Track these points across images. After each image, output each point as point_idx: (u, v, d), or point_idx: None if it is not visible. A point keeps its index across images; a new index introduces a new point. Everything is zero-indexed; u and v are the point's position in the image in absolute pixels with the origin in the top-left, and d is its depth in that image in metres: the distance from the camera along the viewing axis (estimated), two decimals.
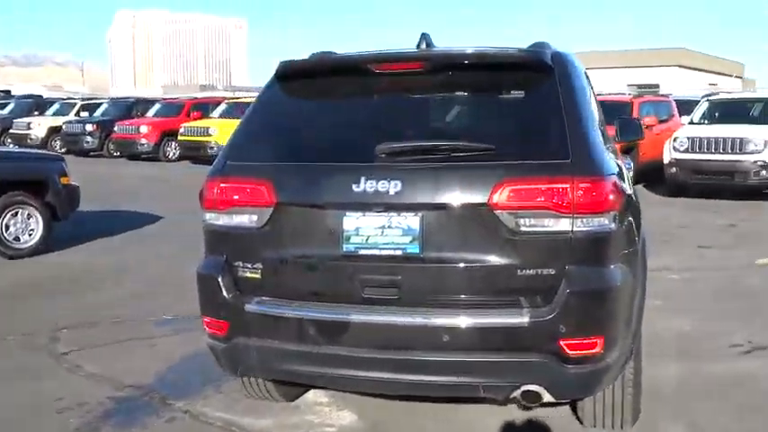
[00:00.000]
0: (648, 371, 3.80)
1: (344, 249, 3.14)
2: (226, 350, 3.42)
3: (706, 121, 13.99)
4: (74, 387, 4.46)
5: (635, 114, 14.22)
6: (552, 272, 2.99)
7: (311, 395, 4.24)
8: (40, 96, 34.12)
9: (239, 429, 3.88)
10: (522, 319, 2.98)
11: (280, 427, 3.92)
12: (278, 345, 3.27)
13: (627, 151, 11.61)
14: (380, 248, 3.11)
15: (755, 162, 12.27)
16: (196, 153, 20.90)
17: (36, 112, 27.99)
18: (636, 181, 8.96)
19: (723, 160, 12.51)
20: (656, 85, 43.08)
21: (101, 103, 28.19)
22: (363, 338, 3.15)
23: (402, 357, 3.10)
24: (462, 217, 3.05)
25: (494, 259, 3.01)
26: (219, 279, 3.34)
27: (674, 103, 17.22)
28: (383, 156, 3.14)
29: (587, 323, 3.02)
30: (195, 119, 22.38)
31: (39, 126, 25.74)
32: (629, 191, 3.44)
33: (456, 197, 3.04)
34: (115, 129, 23.21)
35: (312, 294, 3.24)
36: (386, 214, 3.09)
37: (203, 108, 23.80)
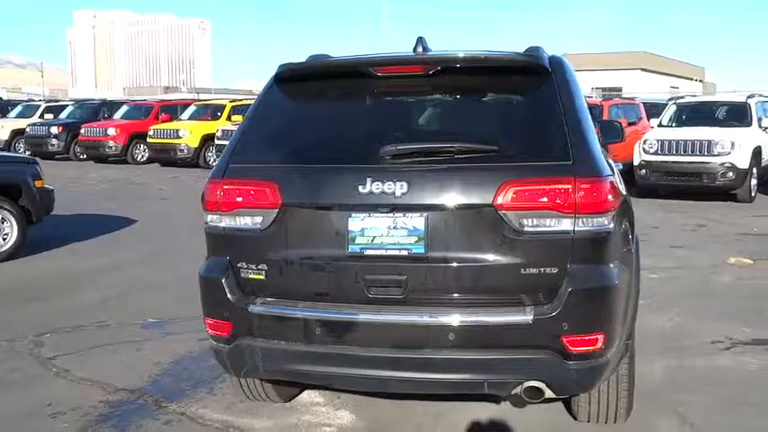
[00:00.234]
0: (637, 367, 3.87)
1: (350, 250, 3.18)
2: (230, 351, 3.42)
3: (674, 124, 14.27)
4: (64, 392, 4.41)
5: (605, 117, 14.46)
6: (554, 270, 3.06)
7: (306, 395, 4.27)
8: (0, 98, 33.40)
9: (237, 430, 3.89)
10: (525, 317, 3.05)
11: (278, 427, 3.93)
12: (284, 345, 3.29)
13: None
14: (386, 249, 3.15)
15: (723, 164, 12.58)
16: (166, 155, 20.80)
17: None
18: None
19: (692, 162, 12.80)
20: (619, 89, 43.78)
21: (65, 106, 27.74)
22: (370, 338, 3.19)
23: (409, 356, 3.15)
24: (467, 217, 3.11)
25: (498, 259, 3.08)
26: (222, 280, 3.35)
27: (641, 106, 17.55)
28: (388, 158, 3.18)
29: (589, 320, 3.10)
30: (164, 121, 22.15)
31: (2, 129, 25.28)
32: (624, 191, 3.53)
33: (461, 198, 3.09)
34: (82, 131, 22.80)
35: (317, 295, 3.27)
36: (391, 215, 3.14)
37: (172, 110, 23.55)
